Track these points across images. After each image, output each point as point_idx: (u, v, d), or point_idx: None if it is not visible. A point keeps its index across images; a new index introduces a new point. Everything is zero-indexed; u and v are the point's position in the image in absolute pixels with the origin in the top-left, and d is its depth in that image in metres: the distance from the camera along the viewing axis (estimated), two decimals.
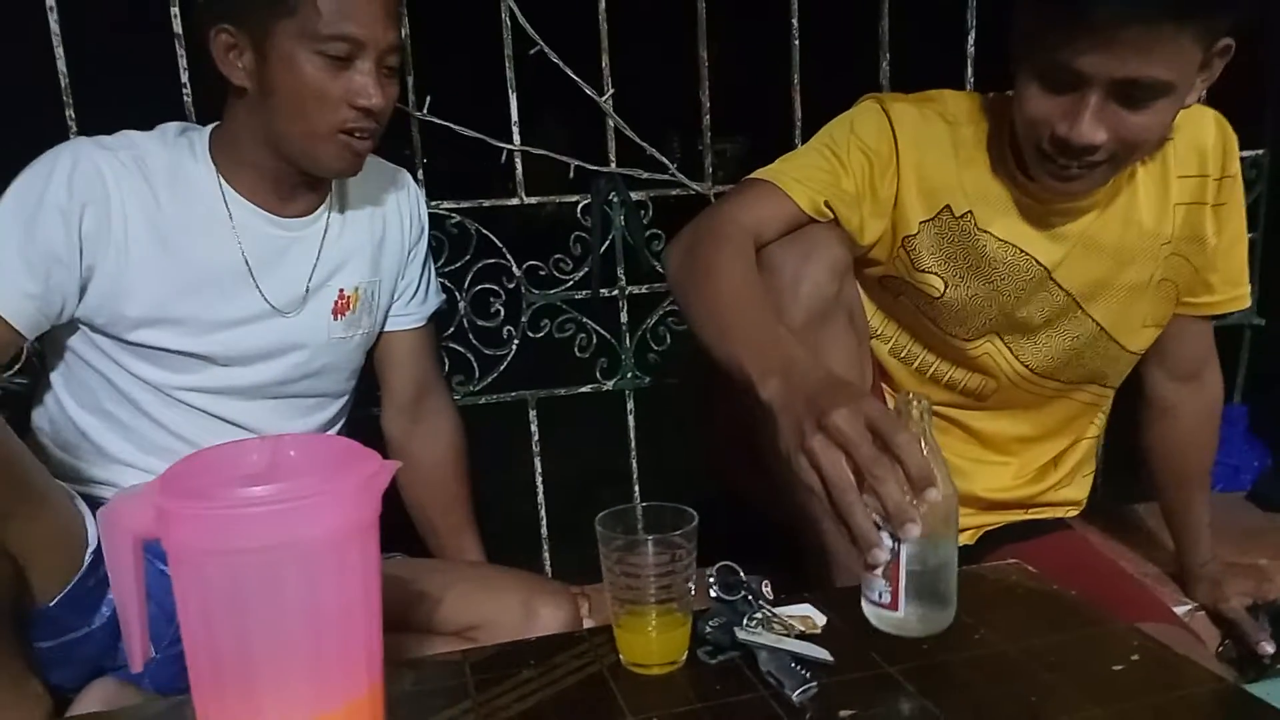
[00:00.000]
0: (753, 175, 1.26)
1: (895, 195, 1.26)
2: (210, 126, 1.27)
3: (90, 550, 1.12)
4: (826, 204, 1.21)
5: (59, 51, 1.45)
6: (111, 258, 1.17)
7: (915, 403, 0.87)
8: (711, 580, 0.89)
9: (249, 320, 1.26)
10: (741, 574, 0.90)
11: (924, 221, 1.26)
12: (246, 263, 1.24)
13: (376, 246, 1.37)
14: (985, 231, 1.25)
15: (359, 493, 0.69)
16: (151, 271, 1.19)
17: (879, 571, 0.87)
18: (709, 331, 1.04)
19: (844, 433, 0.79)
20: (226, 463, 0.73)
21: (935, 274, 1.28)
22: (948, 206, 1.25)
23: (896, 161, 1.25)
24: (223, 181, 1.23)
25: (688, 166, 1.76)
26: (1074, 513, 1.50)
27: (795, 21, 1.75)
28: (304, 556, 0.66)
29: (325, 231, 1.31)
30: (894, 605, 0.88)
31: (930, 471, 0.79)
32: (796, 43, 1.76)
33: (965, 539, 1.40)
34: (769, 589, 0.90)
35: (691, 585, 0.84)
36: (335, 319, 1.33)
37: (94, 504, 1.20)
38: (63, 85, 1.46)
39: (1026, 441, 1.42)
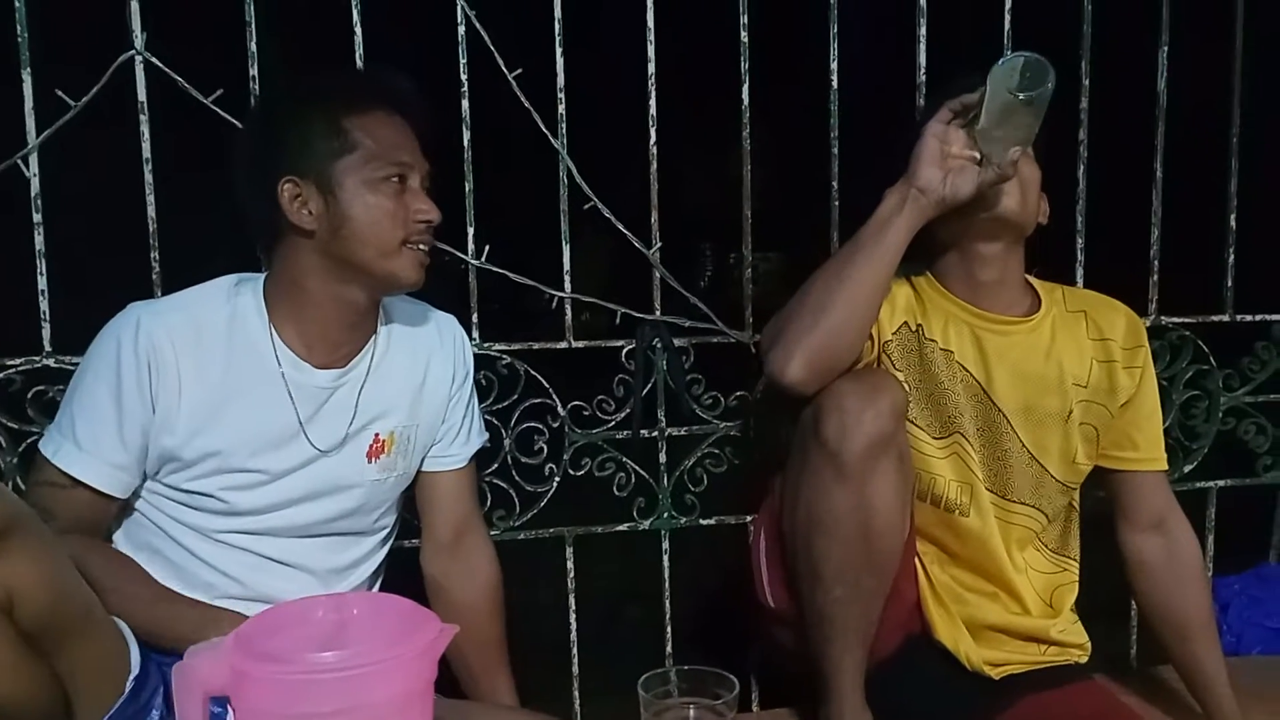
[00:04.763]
0: None
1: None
2: (264, 275, 1.33)
3: (132, 676, 1.13)
4: None
5: (150, 198, 1.57)
6: (173, 417, 1.24)
7: None
8: None
9: (297, 467, 1.30)
10: None
11: (894, 332, 1.48)
12: (298, 416, 1.30)
13: (416, 392, 1.41)
14: (931, 340, 1.47)
15: (420, 658, 0.73)
16: (209, 429, 1.24)
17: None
18: (823, 279, 1.36)
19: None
20: (295, 621, 0.78)
21: (901, 372, 1.47)
22: (905, 323, 1.48)
23: None
24: (274, 333, 1.29)
25: (719, 280, 1.82)
26: (1083, 657, 1.53)
27: (835, 133, 1.80)
28: (369, 718, 0.70)
29: (367, 376, 1.36)
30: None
31: None
32: (836, 163, 1.81)
33: (993, 672, 1.47)
34: None
35: None
36: (369, 461, 1.37)
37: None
38: (151, 230, 1.57)
39: (1009, 568, 1.48)
